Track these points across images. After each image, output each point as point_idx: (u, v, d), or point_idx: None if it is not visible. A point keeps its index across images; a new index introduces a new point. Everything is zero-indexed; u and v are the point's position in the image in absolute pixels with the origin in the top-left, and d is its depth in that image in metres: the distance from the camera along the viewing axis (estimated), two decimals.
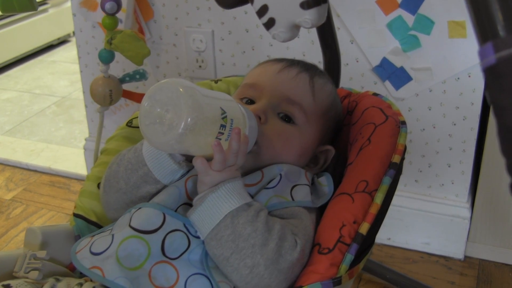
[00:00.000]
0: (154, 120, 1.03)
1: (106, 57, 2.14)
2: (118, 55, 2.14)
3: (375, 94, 1.40)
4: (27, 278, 1.15)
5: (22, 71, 4.31)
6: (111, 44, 2.10)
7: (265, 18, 1.30)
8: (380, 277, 2.05)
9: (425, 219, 2.19)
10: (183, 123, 1.00)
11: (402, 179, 2.13)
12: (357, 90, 1.49)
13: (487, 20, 0.63)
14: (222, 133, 1.07)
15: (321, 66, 1.54)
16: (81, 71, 2.61)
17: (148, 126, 1.05)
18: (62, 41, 4.74)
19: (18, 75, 4.24)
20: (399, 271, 2.05)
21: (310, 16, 1.24)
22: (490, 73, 0.63)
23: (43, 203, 2.68)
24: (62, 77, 4.14)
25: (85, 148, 2.79)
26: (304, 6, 1.24)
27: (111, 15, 2.09)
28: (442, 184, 2.14)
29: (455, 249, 2.19)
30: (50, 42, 4.64)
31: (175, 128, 1.00)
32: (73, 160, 2.99)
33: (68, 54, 4.41)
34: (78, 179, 2.84)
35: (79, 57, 2.58)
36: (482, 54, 0.63)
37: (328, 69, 1.68)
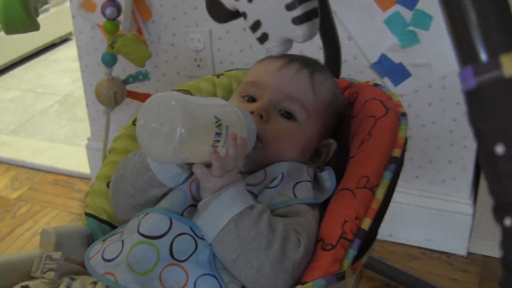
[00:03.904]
0: (150, 135, 1.06)
1: (109, 60, 2.18)
2: (119, 56, 2.16)
3: (375, 85, 1.40)
4: (43, 278, 1.20)
5: (25, 70, 4.32)
6: (113, 47, 2.11)
7: (258, 33, 1.31)
8: (381, 274, 2.05)
9: (427, 215, 2.18)
10: (177, 136, 1.01)
11: (403, 175, 2.12)
12: (358, 80, 1.49)
13: (467, 43, 0.63)
14: (218, 141, 1.08)
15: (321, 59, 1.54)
16: (81, 71, 2.62)
17: (145, 140, 1.07)
18: (64, 40, 4.75)
19: (22, 74, 4.25)
20: (400, 268, 2.05)
21: (302, 31, 1.25)
22: (470, 96, 0.63)
23: (48, 201, 2.69)
24: (65, 75, 4.15)
25: (87, 147, 2.79)
26: (296, 21, 1.25)
27: (112, 19, 2.11)
28: (444, 180, 2.14)
29: (457, 246, 2.19)
30: (52, 41, 4.66)
31: (170, 142, 1.02)
32: (76, 158, 3.00)
33: (70, 52, 4.42)
34: (81, 177, 2.85)
35: (80, 58, 2.58)
36: (462, 77, 0.63)
37: (329, 62, 1.68)
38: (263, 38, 1.31)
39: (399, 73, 2.02)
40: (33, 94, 3.90)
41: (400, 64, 2.01)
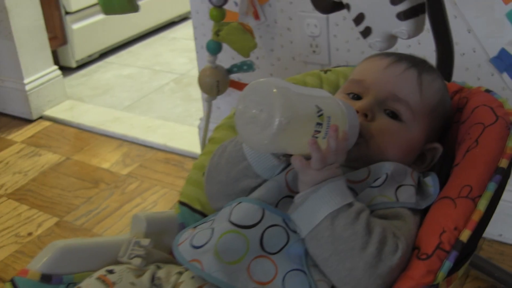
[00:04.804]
0: (248, 121, 1.03)
1: (214, 48, 2.18)
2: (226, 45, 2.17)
3: (487, 91, 1.35)
4: (130, 264, 1.20)
5: (143, 47, 4.41)
6: (218, 35, 2.11)
7: (361, 27, 1.29)
8: (488, 275, 2.00)
9: None
10: (276, 124, 0.99)
11: None
12: (470, 85, 1.44)
13: None
14: (319, 131, 1.05)
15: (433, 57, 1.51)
16: (197, 52, 2.65)
17: (243, 127, 1.05)
18: (183, 18, 4.81)
19: (140, 51, 4.34)
20: (508, 270, 2.00)
21: (406, 27, 1.22)
22: None
23: (157, 179, 2.74)
24: (182, 54, 4.21)
25: (199, 128, 2.83)
26: (401, 16, 1.21)
27: (218, 7, 2.11)
28: None
29: None
30: (171, 19, 4.73)
31: (268, 129, 1.00)
32: (188, 138, 3.03)
33: (188, 31, 4.45)
34: (192, 157, 2.88)
35: (195, 38, 2.61)
36: None
37: (441, 61, 1.64)
38: (366, 32, 1.28)
39: None
40: (149, 72, 3.97)
41: None
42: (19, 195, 2.68)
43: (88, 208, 2.55)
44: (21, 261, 2.25)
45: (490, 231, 2.18)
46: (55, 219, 2.48)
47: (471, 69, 2.04)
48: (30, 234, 2.40)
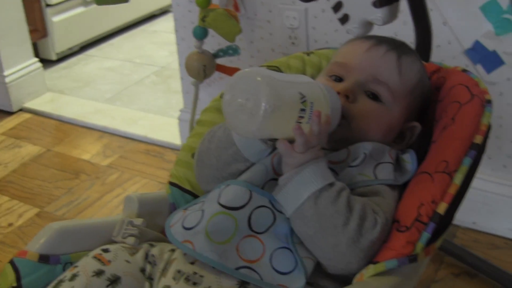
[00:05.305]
0: (235, 110, 1.08)
1: (200, 34, 2.22)
2: (212, 31, 2.19)
3: (464, 71, 1.39)
4: (124, 243, 1.25)
5: (124, 40, 4.42)
6: (204, 21, 2.15)
7: (340, 14, 1.34)
8: (462, 261, 2.04)
9: None
10: (262, 112, 1.03)
11: (490, 163, 2.11)
12: (447, 65, 1.48)
13: None
14: (303, 117, 1.10)
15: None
16: (177, 44, 2.67)
17: (231, 115, 1.10)
18: (164, 11, 4.83)
19: (121, 44, 4.35)
20: (481, 257, 2.03)
21: (382, 14, 1.27)
22: None
23: (138, 170, 2.76)
24: (163, 47, 4.22)
25: (179, 119, 2.85)
26: (377, 4, 1.26)
27: None
28: None
29: None
30: (152, 12, 4.74)
31: (255, 117, 1.04)
32: (168, 130, 3.05)
33: (169, 24, 4.44)
34: (172, 148, 2.91)
35: (176, 31, 2.63)
36: None
37: (419, 44, 1.68)
38: (344, 19, 1.33)
39: (492, 60, 1.99)
40: (130, 64, 3.98)
41: (494, 52, 1.98)
42: (0, 186, 2.69)
43: (69, 198, 2.56)
44: (2, 251, 2.26)
45: (464, 219, 2.21)
46: (36, 210, 2.49)
47: (446, 61, 2.04)
48: (10, 224, 2.41)
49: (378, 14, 1.28)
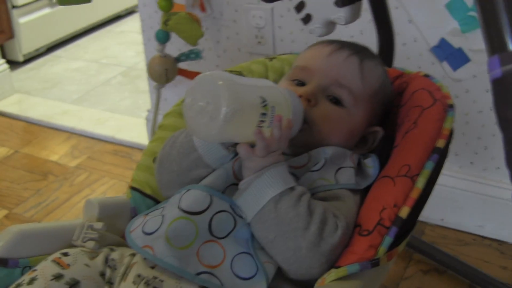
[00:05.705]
0: (196, 113, 1.07)
1: (162, 37, 2.24)
2: (174, 35, 2.20)
3: (426, 76, 1.40)
4: (84, 247, 1.23)
5: (91, 41, 4.40)
6: (167, 25, 2.16)
7: (302, 14, 1.34)
8: (431, 258, 2.05)
9: (480, 201, 2.17)
10: (222, 115, 1.03)
11: (457, 160, 2.12)
12: (410, 70, 1.49)
13: (495, 32, 0.63)
14: (264, 121, 1.09)
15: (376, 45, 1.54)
16: (144, 44, 2.66)
17: (192, 119, 1.09)
18: (130, 12, 4.82)
19: (87, 44, 4.33)
20: (450, 253, 2.04)
21: (344, 13, 1.27)
22: (496, 85, 0.63)
23: (106, 171, 2.75)
24: (129, 47, 4.21)
25: (147, 119, 2.84)
26: (339, 3, 1.27)
27: None
28: (498, 167, 2.12)
29: (510, 233, 2.17)
30: (118, 13, 4.73)
31: (215, 120, 1.04)
32: (136, 130, 3.05)
33: (135, 25, 4.46)
34: (140, 148, 2.89)
35: (143, 31, 2.63)
36: (489, 66, 0.64)
37: (382, 48, 1.68)
38: (306, 19, 1.34)
39: (458, 58, 2.01)
40: (97, 65, 3.96)
41: (460, 49, 1.99)
42: None
43: (38, 200, 2.54)
44: None
45: (432, 216, 2.23)
46: (4, 211, 2.47)
47: (412, 58, 2.08)
48: None
49: (341, 13, 1.28)
